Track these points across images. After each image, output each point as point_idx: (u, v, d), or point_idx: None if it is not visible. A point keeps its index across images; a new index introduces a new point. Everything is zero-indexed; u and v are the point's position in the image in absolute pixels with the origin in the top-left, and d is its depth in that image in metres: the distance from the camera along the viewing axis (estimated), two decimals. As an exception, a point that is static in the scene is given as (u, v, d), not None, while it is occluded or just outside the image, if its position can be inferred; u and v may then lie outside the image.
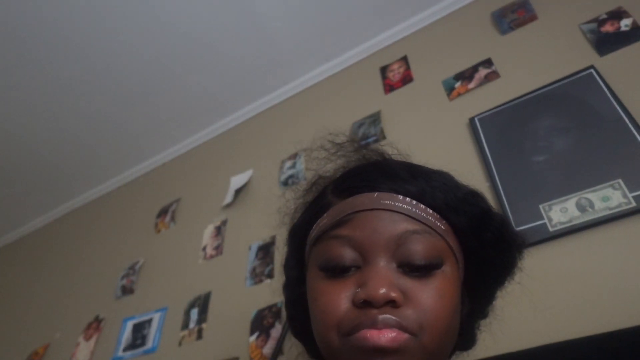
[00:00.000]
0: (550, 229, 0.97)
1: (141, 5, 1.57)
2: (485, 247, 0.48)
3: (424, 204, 0.45)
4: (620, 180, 0.96)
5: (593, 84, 1.14)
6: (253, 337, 1.25)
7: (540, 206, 1.02)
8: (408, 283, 0.41)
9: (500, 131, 1.22)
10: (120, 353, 1.55)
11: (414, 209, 0.44)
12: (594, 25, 1.26)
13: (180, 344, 1.42)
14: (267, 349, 1.19)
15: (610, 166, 0.99)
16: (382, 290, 0.39)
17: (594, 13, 1.29)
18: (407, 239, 0.42)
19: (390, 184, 0.46)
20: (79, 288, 1.97)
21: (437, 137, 1.36)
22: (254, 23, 1.70)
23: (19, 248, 2.59)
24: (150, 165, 2.28)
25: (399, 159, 0.56)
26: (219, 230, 1.66)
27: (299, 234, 0.53)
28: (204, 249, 1.64)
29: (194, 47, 1.75)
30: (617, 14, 1.24)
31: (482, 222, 0.48)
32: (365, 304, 0.39)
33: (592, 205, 0.96)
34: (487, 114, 1.27)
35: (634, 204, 0.91)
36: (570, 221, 0.96)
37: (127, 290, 1.74)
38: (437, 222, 0.45)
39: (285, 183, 1.60)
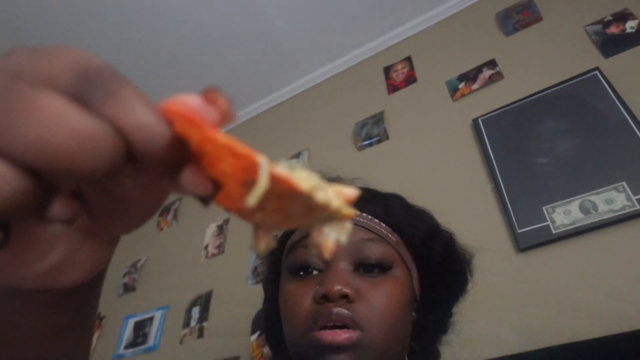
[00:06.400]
0: (554, 231, 0.97)
1: (146, 3, 1.57)
2: (436, 259, 0.56)
3: (379, 219, 0.53)
4: (624, 183, 0.95)
5: (598, 86, 1.13)
6: (254, 337, 1.25)
7: (544, 208, 1.01)
8: (361, 283, 0.48)
9: (503, 132, 1.21)
10: (121, 350, 1.55)
11: (369, 223, 0.52)
12: (599, 27, 1.26)
13: (181, 342, 1.42)
14: (268, 349, 1.19)
15: (615, 169, 0.98)
16: (338, 287, 0.45)
17: (599, 14, 1.28)
18: (363, 244, 0.50)
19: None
20: (81, 285, 1.97)
21: (440, 138, 1.35)
22: (258, 22, 1.70)
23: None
24: (153, 164, 2.28)
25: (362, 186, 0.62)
26: (221, 229, 1.66)
27: (275, 253, 0.60)
28: (206, 247, 1.64)
29: (198, 45, 1.76)
30: (622, 16, 1.24)
31: (431, 235, 0.57)
32: (323, 298, 0.46)
33: (595, 207, 0.95)
34: (490, 115, 1.27)
35: (637, 206, 0.91)
36: (573, 223, 0.96)
37: (128, 288, 1.75)
38: (389, 234, 0.53)
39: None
